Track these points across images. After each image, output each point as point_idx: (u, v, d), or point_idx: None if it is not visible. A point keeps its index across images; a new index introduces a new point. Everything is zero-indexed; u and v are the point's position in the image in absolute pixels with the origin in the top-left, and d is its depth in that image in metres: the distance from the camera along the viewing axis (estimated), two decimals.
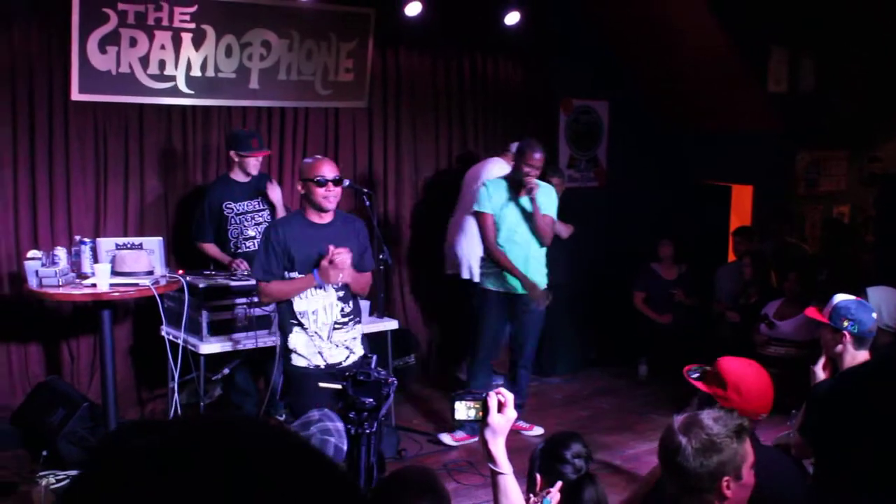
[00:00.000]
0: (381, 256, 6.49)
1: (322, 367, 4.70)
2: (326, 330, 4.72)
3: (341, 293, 4.72)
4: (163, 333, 5.79)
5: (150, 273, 5.47)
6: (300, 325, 4.70)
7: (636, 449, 6.26)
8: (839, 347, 4.16)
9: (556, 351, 7.95)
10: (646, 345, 8.00)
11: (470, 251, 7.05)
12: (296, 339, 4.71)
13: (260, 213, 6.36)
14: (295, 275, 4.64)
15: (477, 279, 6.65)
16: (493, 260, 6.25)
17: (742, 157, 8.63)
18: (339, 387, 3.39)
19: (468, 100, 8.12)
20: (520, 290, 6.22)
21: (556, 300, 7.91)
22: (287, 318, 4.73)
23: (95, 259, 5.53)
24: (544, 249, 6.33)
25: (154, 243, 5.67)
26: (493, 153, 7.67)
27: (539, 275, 6.29)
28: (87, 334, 6.55)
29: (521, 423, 6.41)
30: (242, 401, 6.40)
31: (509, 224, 6.19)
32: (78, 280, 5.38)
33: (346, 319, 4.77)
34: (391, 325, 6.52)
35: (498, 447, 2.55)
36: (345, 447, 2.97)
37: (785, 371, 6.13)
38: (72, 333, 6.52)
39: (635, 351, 8.04)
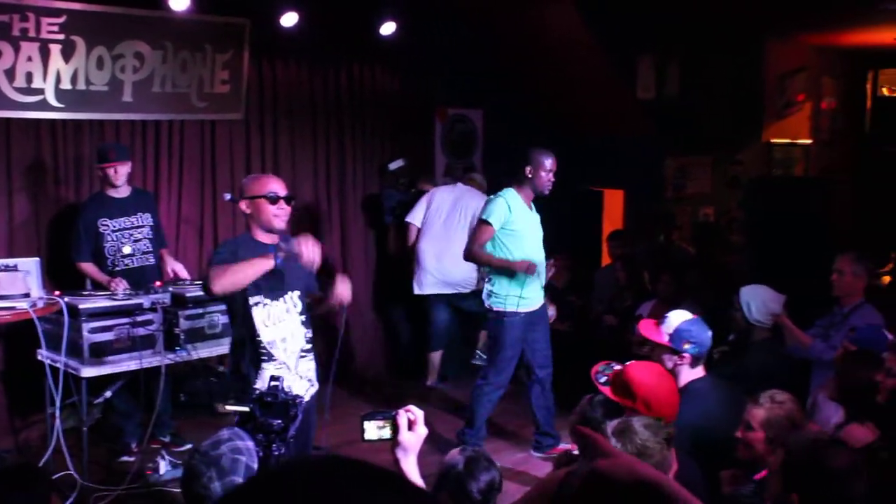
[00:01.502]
0: None
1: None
2: (294, 359, 4.28)
3: (303, 317, 4.31)
4: (41, 357, 5.56)
5: (27, 295, 5.26)
6: (270, 357, 4.19)
7: (524, 453, 6.36)
8: (676, 367, 4.25)
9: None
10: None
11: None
12: (267, 373, 4.10)
13: (139, 230, 6.19)
14: (260, 299, 4.13)
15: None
16: (481, 261, 6.11)
17: (614, 163, 8.89)
18: (245, 409, 3.33)
19: (345, 110, 8.10)
20: (537, 304, 6.05)
21: (438, 304, 8.04)
22: (255, 354, 4.18)
23: None
24: None
25: (30, 264, 5.46)
26: (451, 180, 8.11)
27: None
28: None
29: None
30: (124, 423, 6.22)
31: (532, 240, 6.02)
32: None
33: (308, 347, 4.36)
34: None
35: (409, 465, 2.55)
36: (255, 466, 2.92)
37: None
38: None
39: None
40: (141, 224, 6.20)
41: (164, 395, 5.84)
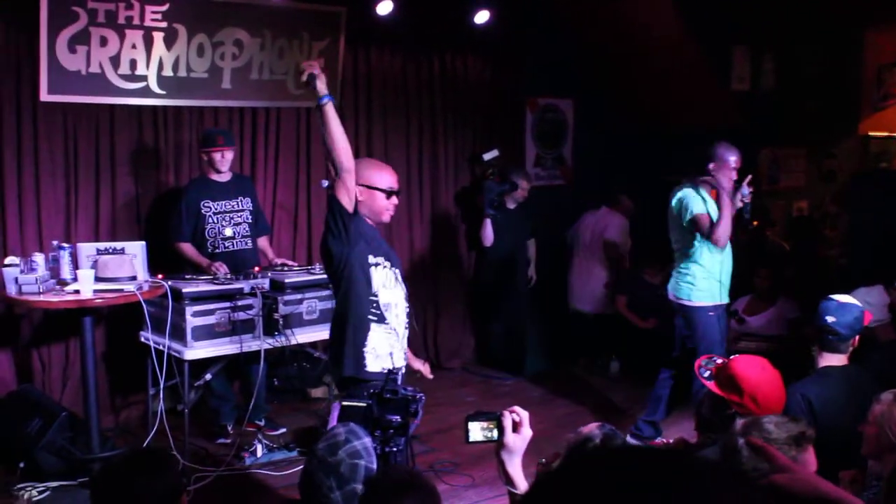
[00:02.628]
0: None
1: (394, 370, 3.92)
2: (402, 328, 4.17)
3: (405, 293, 4.26)
4: (144, 339, 5.68)
5: (134, 278, 5.35)
6: (381, 318, 4.06)
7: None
8: (817, 349, 4.22)
9: (528, 349, 7.99)
10: (619, 344, 8.06)
11: None
12: (375, 336, 4.03)
13: (239, 214, 6.29)
14: (380, 260, 4.11)
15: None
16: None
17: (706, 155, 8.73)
18: (363, 404, 3.33)
19: (438, 99, 8.11)
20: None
21: (518, 297, 8.01)
22: (364, 316, 4.03)
23: (76, 264, 5.39)
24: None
25: (136, 248, 5.54)
26: (603, 204, 8.34)
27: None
28: (58, 341, 6.39)
29: None
30: (220, 405, 6.32)
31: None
32: (58, 287, 5.24)
33: (407, 322, 4.30)
34: None
35: (515, 467, 2.51)
36: (374, 466, 2.87)
37: None
38: (43, 341, 6.36)
39: (604, 348, 8.09)
40: (241, 208, 6.30)
41: (261, 380, 5.91)
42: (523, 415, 2.51)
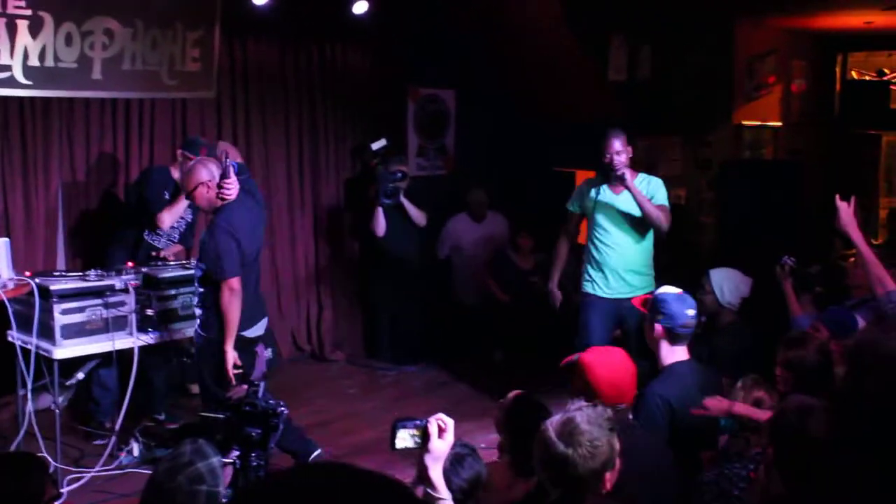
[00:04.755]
0: None
1: None
2: None
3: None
4: (11, 339, 5.50)
5: None
6: None
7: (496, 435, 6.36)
8: (655, 338, 4.21)
9: (411, 339, 8.02)
10: (501, 331, 8.15)
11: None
12: None
13: (181, 220, 6.44)
14: None
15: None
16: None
17: (585, 144, 8.87)
18: (220, 417, 3.28)
19: (317, 89, 8.05)
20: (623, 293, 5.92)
21: (409, 288, 8.03)
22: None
23: None
24: (645, 259, 6.05)
25: (0, 245, 5.37)
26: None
27: (639, 282, 5.98)
28: None
29: None
30: (102, 396, 6.18)
31: (599, 223, 6.04)
32: None
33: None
34: None
35: (437, 473, 2.55)
36: (220, 488, 2.76)
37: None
38: None
39: (489, 336, 8.17)
40: (185, 217, 6.45)
41: (159, 374, 6.11)
42: (448, 422, 2.55)
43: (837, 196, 4.47)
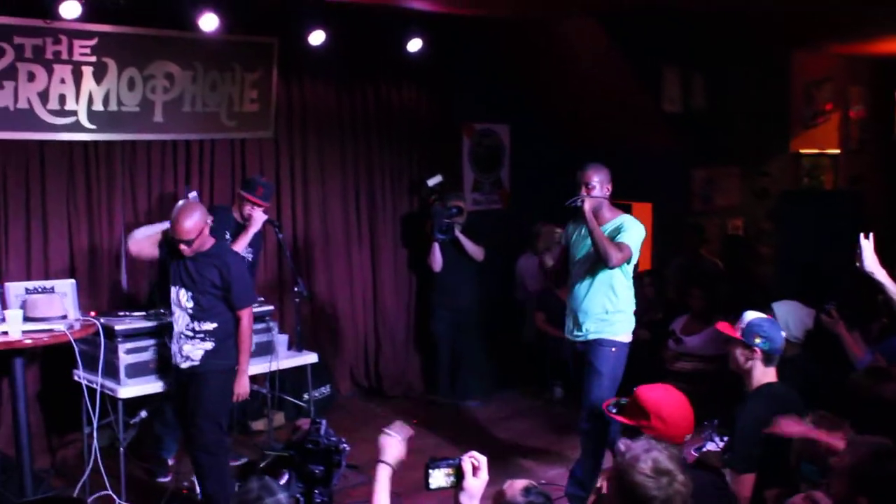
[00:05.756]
0: (296, 289, 6.47)
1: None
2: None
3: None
4: (78, 378, 5.60)
5: (64, 317, 5.30)
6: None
7: (558, 470, 6.33)
8: (749, 364, 4.27)
9: (471, 375, 8.01)
10: (559, 366, 8.09)
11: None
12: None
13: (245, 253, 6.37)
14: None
15: None
16: None
17: (641, 176, 8.85)
18: (284, 454, 3.31)
19: (373, 127, 8.14)
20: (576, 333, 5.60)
21: (467, 323, 8.03)
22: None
23: (4, 304, 5.33)
24: (601, 303, 5.49)
25: (66, 286, 5.51)
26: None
27: (593, 326, 5.51)
28: None
29: None
30: (165, 433, 6.25)
31: (571, 260, 5.68)
32: None
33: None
34: (310, 358, 6.47)
35: None
36: None
37: (694, 385, 6.30)
38: None
39: (549, 372, 8.13)
40: (245, 255, 6.34)
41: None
42: (481, 459, 2.56)
43: (862, 235, 4.45)
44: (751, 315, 4.41)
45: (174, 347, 5.32)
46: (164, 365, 5.64)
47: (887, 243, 5.09)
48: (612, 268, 5.31)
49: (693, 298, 7.48)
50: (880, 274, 4.35)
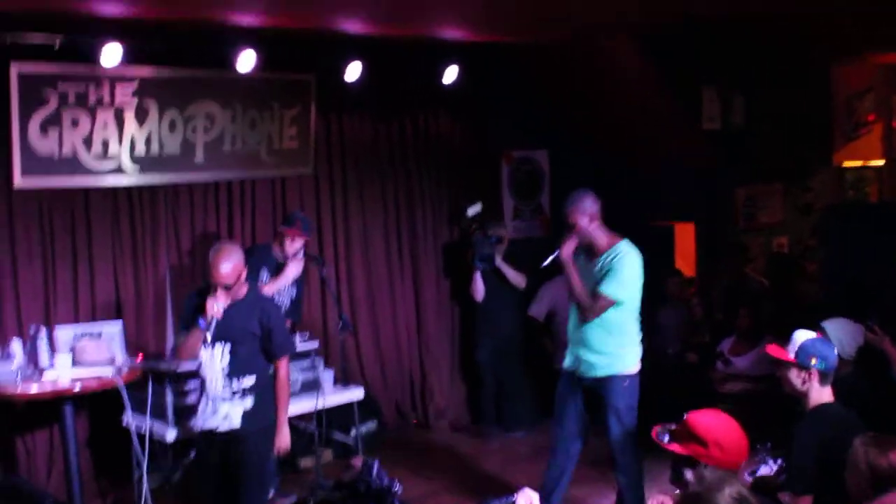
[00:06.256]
0: (340, 324, 6.49)
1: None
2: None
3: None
4: (126, 424, 5.64)
5: (112, 361, 5.34)
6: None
7: (611, 498, 6.25)
8: (806, 385, 4.21)
9: (516, 404, 7.96)
10: None
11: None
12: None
13: (282, 296, 6.40)
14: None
15: None
16: None
17: (683, 196, 8.80)
18: (337, 495, 3.31)
19: (412, 158, 8.16)
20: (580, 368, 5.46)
21: (511, 352, 7.98)
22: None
23: (53, 349, 5.39)
24: (616, 326, 5.33)
25: (113, 330, 5.57)
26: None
27: (595, 359, 5.39)
28: (41, 427, 6.34)
29: None
30: None
31: None
32: (36, 374, 5.23)
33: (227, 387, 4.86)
34: (357, 393, 6.47)
35: None
36: None
37: (744, 407, 6.22)
38: (25, 427, 6.31)
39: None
40: (286, 290, 6.43)
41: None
42: (533, 497, 2.56)
43: None
44: (802, 336, 4.35)
45: (206, 411, 4.84)
46: None
47: None
48: (584, 314, 5.26)
49: (739, 318, 7.39)
50: None
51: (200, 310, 4.65)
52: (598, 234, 5.31)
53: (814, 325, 5.81)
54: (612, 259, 5.22)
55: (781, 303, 7.91)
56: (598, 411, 5.50)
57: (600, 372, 5.37)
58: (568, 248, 5.29)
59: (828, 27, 7.62)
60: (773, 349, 4.52)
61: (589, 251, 5.34)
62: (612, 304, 5.19)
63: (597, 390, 5.41)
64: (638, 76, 8.24)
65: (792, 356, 4.28)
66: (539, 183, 9.14)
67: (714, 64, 8.38)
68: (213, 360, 4.77)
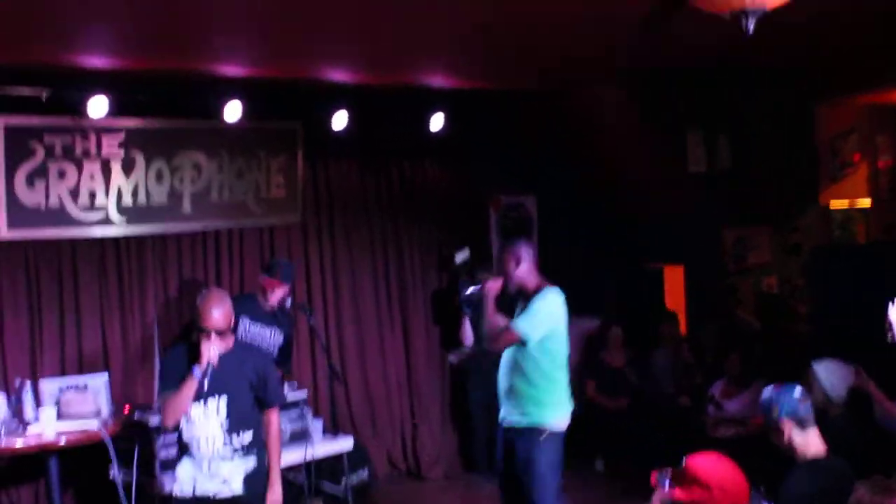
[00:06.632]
0: (328, 373, 6.46)
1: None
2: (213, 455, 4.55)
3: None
4: (112, 477, 5.57)
5: (98, 414, 5.30)
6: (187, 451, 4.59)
7: None
8: (787, 438, 4.04)
9: None
10: (600, 437, 7.98)
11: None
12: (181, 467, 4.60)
13: (267, 343, 6.39)
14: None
15: None
16: None
17: (671, 240, 8.82)
18: None
19: (400, 205, 8.17)
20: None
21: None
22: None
23: (38, 402, 5.34)
24: (536, 373, 5.21)
25: (99, 382, 5.53)
26: None
27: (522, 404, 5.23)
28: (27, 480, 6.26)
29: None
30: None
31: None
32: (21, 428, 5.18)
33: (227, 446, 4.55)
34: (346, 443, 6.41)
35: None
36: None
37: (736, 451, 6.17)
38: (11, 481, 6.22)
39: (590, 445, 8.00)
40: (270, 337, 6.42)
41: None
42: None
43: (890, 305, 4.34)
44: (759, 397, 4.26)
45: (199, 473, 4.47)
46: None
47: None
48: (495, 350, 5.28)
49: (730, 361, 7.38)
50: None
51: (187, 362, 4.37)
52: (528, 279, 5.29)
53: (804, 367, 5.83)
54: (533, 299, 5.19)
55: (772, 345, 7.91)
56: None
57: (516, 422, 5.24)
58: (493, 284, 5.33)
59: (810, 70, 7.69)
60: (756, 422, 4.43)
61: (523, 296, 5.30)
62: (516, 339, 5.12)
63: (511, 441, 5.27)
64: (623, 121, 8.30)
65: (761, 419, 4.18)
66: (527, 228, 9.15)
67: (698, 108, 8.45)
68: (209, 415, 4.43)
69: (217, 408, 4.43)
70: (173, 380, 4.38)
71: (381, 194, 8.07)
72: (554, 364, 5.22)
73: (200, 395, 4.38)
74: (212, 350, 4.31)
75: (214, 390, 4.40)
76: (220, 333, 4.39)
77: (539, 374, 5.19)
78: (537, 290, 5.22)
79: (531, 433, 5.14)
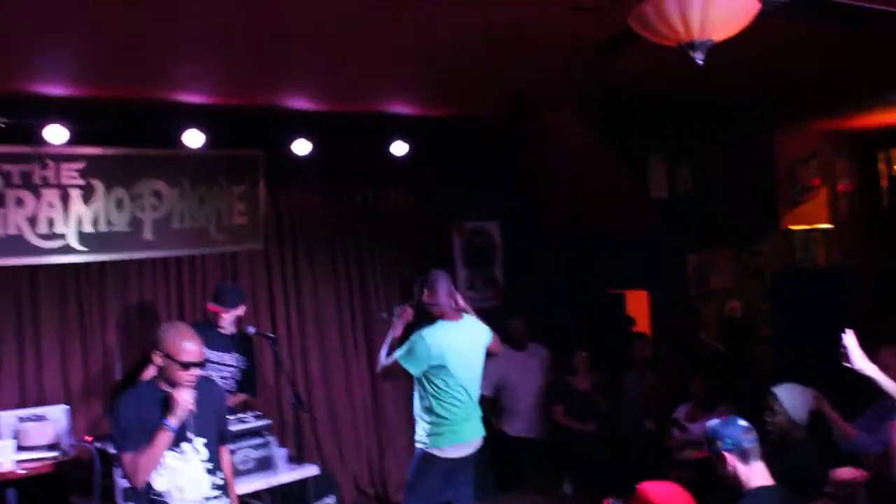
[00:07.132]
0: (293, 401, 6.40)
1: None
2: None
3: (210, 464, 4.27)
4: None
5: (57, 444, 5.23)
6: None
7: None
8: (731, 469, 4.03)
9: (479, 474, 7.86)
10: (568, 461, 7.98)
11: None
12: None
13: (227, 368, 6.30)
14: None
15: None
16: None
17: (635, 265, 8.88)
18: None
19: (362, 231, 8.17)
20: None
21: None
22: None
23: None
24: (422, 396, 5.50)
25: (59, 412, 5.45)
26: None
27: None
28: None
29: None
30: None
31: None
32: None
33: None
34: (311, 470, 6.35)
35: None
36: None
37: (700, 473, 6.21)
38: None
39: (558, 467, 8.01)
40: (229, 363, 6.31)
41: None
42: None
43: (844, 333, 4.39)
44: (708, 426, 4.25)
45: None
46: None
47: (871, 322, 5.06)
48: (383, 378, 5.82)
49: (694, 385, 7.42)
50: (870, 369, 4.28)
51: (143, 406, 4.04)
52: (434, 308, 5.53)
53: (766, 390, 5.86)
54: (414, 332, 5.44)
55: (735, 368, 7.95)
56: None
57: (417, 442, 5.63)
58: (405, 311, 5.68)
59: (769, 98, 7.80)
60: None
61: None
62: (397, 365, 5.38)
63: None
64: (585, 147, 8.36)
65: (706, 450, 4.20)
66: (491, 254, 9.18)
67: (659, 134, 8.53)
68: (188, 460, 4.12)
69: (196, 449, 4.16)
70: (134, 433, 3.99)
71: (345, 221, 8.07)
72: (438, 400, 5.42)
73: (176, 442, 4.06)
74: (185, 397, 3.99)
75: (195, 431, 4.14)
76: (200, 366, 4.14)
77: (426, 398, 5.45)
78: (432, 323, 5.44)
79: (417, 450, 5.56)
